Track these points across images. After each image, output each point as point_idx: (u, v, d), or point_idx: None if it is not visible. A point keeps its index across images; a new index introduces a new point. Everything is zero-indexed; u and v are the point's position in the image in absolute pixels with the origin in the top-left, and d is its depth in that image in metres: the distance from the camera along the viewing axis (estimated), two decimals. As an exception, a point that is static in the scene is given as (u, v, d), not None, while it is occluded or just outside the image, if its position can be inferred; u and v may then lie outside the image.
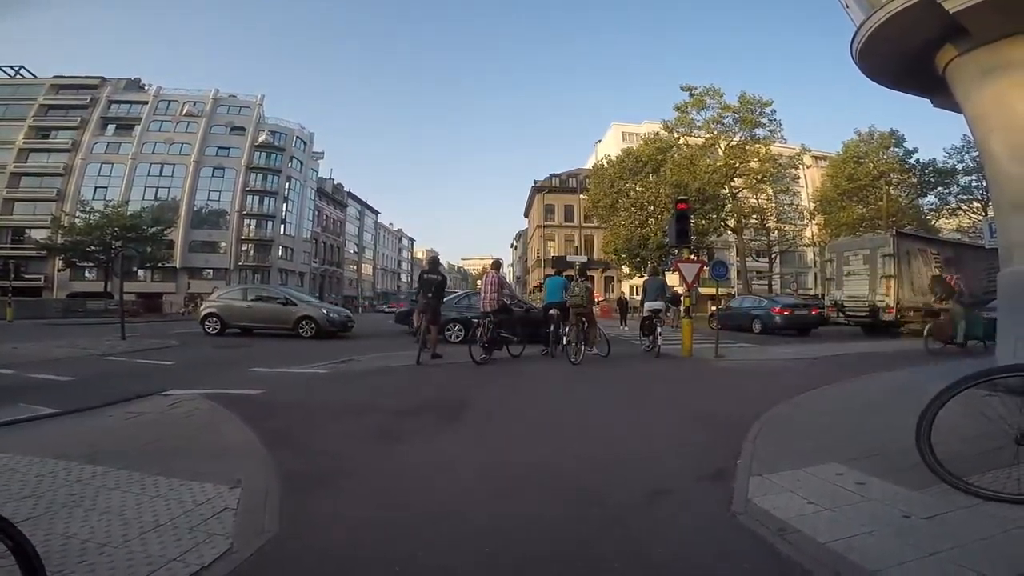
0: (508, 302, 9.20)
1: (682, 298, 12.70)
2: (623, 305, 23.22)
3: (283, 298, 13.27)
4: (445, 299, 9.72)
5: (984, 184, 25.15)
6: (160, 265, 39.43)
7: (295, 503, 2.54)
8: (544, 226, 48.98)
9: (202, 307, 13.94)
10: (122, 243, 33.21)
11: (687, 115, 28.78)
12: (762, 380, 6.92)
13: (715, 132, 28.81)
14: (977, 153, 9.23)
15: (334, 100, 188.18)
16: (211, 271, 46.18)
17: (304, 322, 12.60)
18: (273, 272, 48.19)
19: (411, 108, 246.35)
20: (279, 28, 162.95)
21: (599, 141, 48.90)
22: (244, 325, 13.19)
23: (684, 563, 2.06)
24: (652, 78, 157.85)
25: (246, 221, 48.97)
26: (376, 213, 79.19)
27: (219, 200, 47.95)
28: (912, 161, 32.56)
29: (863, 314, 15.44)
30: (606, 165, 33.07)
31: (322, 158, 59.32)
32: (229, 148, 49.07)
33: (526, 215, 60.96)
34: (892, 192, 32.68)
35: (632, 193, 30.51)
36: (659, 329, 9.34)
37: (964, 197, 32.07)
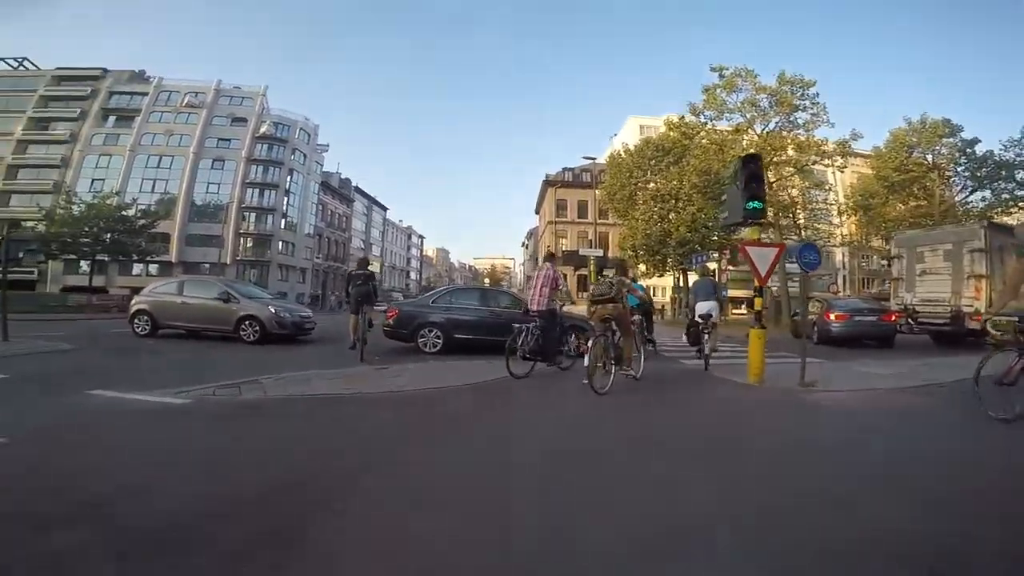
0: (559, 305, 6.98)
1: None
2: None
3: (223, 293, 10.67)
4: (424, 296, 10.33)
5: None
6: (152, 259, 37.75)
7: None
8: (556, 222, 46.14)
9: (132, 303, 11.44)
10: (110, 236, 31.94)
11: (717, 97, 25.64)
12: (891, 432, 4.15)
13: (748, 116, 25.63)
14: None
15: (346, 96, 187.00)
16: (208, 265, 44.36)
17: (247, 323, 10.09)
18: (272, 267, 46.23)
19: (423, 105, 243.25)
20: (286, 21, 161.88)
21: (615, 135, 45.87)
22: (179, 325, 10.71)
23: None
24: (671, 68, 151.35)
25: (245, 215, 46.97)
26: (385, 209, 77.07)
27: (218, 193, 46.05)
28: (971, 152, 29.08)
29: (941, 321, 12.58)
30: (623, 154, 30.23)
31: (327, 151, 57.09)
32: (230, 140, 47.18)
33: (537, 211, 58.18)
34: (942, 186, 29.25)
35: (652, 185, 27.62)
36: (706, 338, 6.74)
37: (1021, 193, 28.53)
